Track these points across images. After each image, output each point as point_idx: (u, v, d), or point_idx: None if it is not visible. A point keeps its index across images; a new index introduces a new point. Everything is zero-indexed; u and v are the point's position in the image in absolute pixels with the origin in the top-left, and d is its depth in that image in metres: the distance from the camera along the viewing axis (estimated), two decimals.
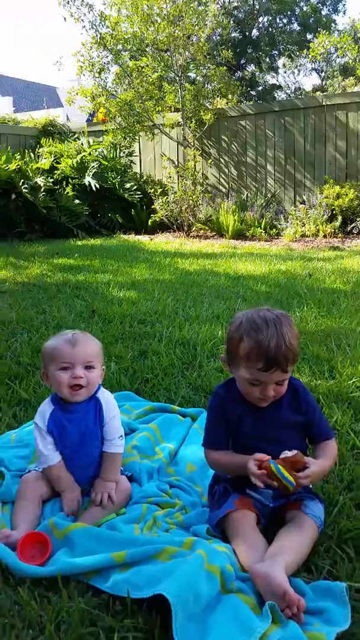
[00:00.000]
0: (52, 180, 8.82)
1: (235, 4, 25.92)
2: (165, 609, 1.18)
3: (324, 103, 8.59)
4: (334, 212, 7.99)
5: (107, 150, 9.57)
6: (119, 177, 9.26)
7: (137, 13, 9.02)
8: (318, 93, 21.16)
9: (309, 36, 25.86)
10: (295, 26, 27.74)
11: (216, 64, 10.79)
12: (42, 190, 8.40)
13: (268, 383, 1.49)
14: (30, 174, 8.58)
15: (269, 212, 8.68)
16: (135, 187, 9.25)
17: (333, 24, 26.92)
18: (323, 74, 30.42)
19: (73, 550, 1.41)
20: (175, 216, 8.85)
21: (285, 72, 31.18)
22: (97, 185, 8.84)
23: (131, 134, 9.57)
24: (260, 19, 27.13)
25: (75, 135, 10.45)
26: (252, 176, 9.35)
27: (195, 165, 9.39)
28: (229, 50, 11.39)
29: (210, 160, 9.60)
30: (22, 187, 8.07)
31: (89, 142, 9.76)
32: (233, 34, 25.67)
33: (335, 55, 23.68)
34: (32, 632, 1.19)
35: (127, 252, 6.76)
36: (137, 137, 9.86)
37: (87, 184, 8.89)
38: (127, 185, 9.22)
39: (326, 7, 27.74)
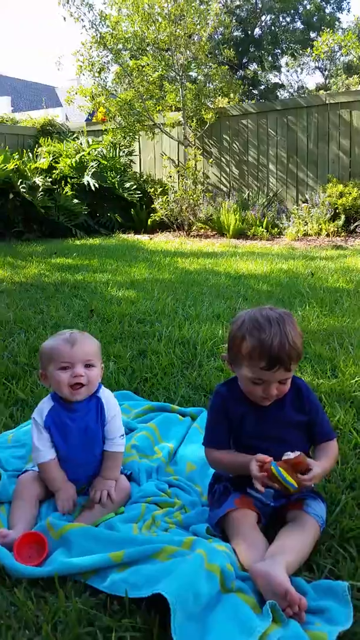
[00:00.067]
0: (50, 179, 8.81)
1: (238, 2, 25.78)
2: (164, 609, 1.17)
3: (327, 101, 8.57)
4: (337, 210, 7.98)
5: (106, 150, 9.56)
6: (118, 176, 9.26)
7: (137, 12, 9.02)
8: (321, 92, 21.10)
9: (312, 34, 25.66)
10: (299, 24, 27.48)
11: (218, 63, 10.78)
12: (40, 189, 8.40)
13: (271, 382, 1.48)
14: (29, 174, 8.58)
15: (270, 211, 8.66)
16: (134, 186, 9.24)
17: (337, 22, 26.61)
18: (327, 73, 30.28)
19: (70, 550, 1.40)
20: (175, 215, 8.83)
21: (288, 71, 31.03)
22: (96, 185, 8.83)
23: (131, 134, 9.56)
24: (263, 18, 26.98)
25: (74, 135, 10.44)
26: (254, 175, 9.33)
27: (196, 164, 9.37)
28: (231, 49, 11.38)
29: (212, 159, 9.59)
30: (20, 187, 8.07)
31: (88, 142, 9.74)
32: (235, 33, 25.55)
33: (339, 53, 23.58)
34: (28, 632, 1.18)
35: (126, 252, 6.74)
36: (137, 137, 9.85)
37: (86, 183, 8.87)
38: (127, 185, 9.21)
39: (330, 5, 27.39)
